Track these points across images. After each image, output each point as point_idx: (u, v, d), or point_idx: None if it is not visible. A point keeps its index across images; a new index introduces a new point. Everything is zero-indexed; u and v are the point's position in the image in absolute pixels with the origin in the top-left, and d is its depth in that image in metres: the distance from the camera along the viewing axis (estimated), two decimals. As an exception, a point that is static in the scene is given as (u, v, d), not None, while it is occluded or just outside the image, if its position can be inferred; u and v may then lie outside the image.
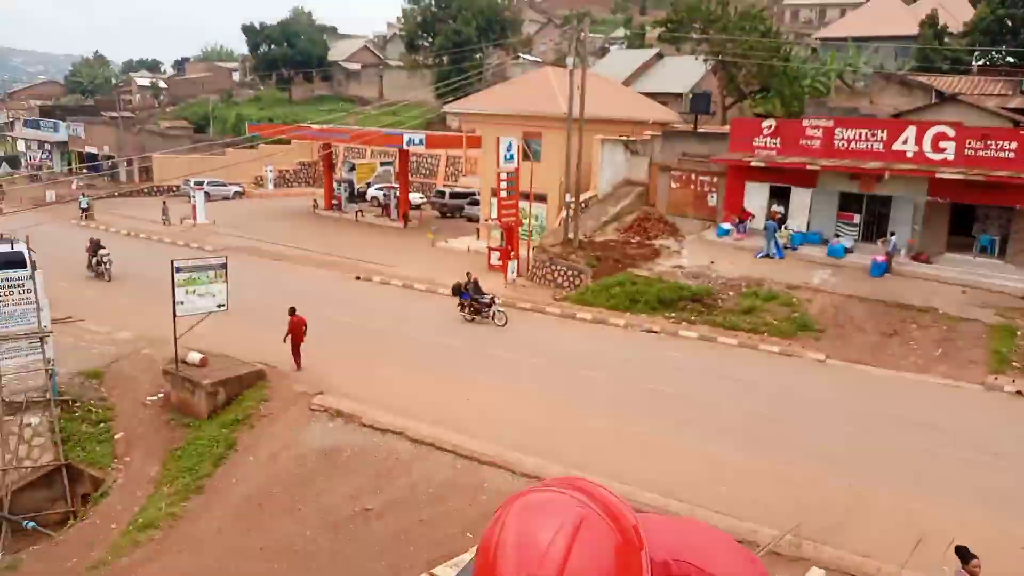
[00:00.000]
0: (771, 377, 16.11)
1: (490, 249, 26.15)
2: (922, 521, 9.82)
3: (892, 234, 21.05)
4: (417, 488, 12.24)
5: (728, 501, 10.78)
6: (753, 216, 24.07)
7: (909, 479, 11.38)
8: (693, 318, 19.77)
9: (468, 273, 20.78)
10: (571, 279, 23.02)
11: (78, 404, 15.32)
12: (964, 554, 7.39)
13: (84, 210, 36.20)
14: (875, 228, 22.45)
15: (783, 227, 23.00)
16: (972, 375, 15.93)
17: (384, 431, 13.81)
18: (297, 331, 16.20)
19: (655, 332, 19.29)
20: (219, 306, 15.97)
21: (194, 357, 15.69)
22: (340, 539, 11.39)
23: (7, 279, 14.59)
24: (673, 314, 20.11)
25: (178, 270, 15.37)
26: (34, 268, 16.05)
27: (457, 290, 20.32)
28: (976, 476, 11.55)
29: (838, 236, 22.70)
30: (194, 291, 15.71)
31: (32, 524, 13.06)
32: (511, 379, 15.79)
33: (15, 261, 17.09)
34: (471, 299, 19.95)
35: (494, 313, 19.77)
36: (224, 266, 16.10)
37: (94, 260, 24.42)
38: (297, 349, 16.27)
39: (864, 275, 20.31)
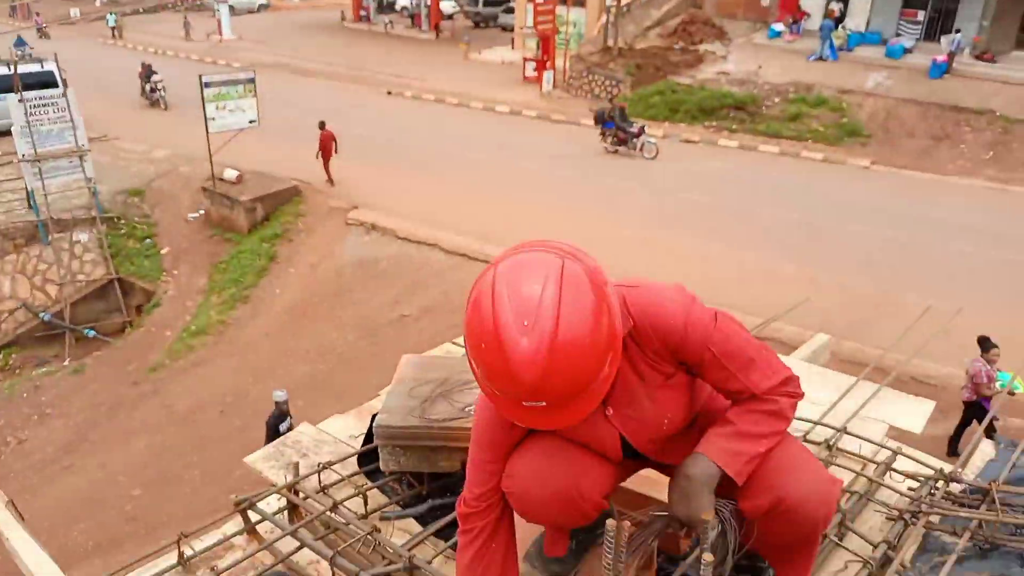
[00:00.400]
0: (811, 185, 15.72)
1: (525, 60, 25.05)
2: (951, 319, 9.83)
3: (957, 31, 19.47)
4: (451, 295, 12.57)
5: (754, 303, 10.87)
6: (808, 15, 22.43)
7: (943, 281, 11.26)
8: (734, 127, 19.06)
9: (611, 99, 18.60)
10: (609, 89, 22.10)
11: (123, 221, 15.76)
12: (984, 343, 7.46)
13: (113, 28, 35.24)
14: (939, 26, 20.78)
15: (840, 27, 21.43)
16: (1021, 178, 15.34)
17: (418, 243, 14.04)
18: (327, 145, 16.10)
19: (694, 142, 18.72)
20: (250, 122, 15.88)
21: (230, 174, 15.83)
22: (378, 342, 11.94)
23: (40, 98, 14.53)
24: (714, 123, 19.40)
25: (206, 85, 15.16)
26: (65, 86, 15.97)
27: (601, 118, 17.96)
28: (1014, 277, 11.41)
29: (899, 35, 21.13)
30: (224, 107, 15.57)
31: (92, 332, 13.91)
32: (541, 191, 15.66)
33: (46, 80, 17.04)
34: (616, 128, 17.70)
35: (643, 144, 17.47)
36: (252, 80, 15.84)
37: (147, 87, 23.19)
38: (328, 163, 16.25)
39: (922, 77, 19.08)
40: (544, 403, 1.39)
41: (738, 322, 1.73)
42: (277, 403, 8.50)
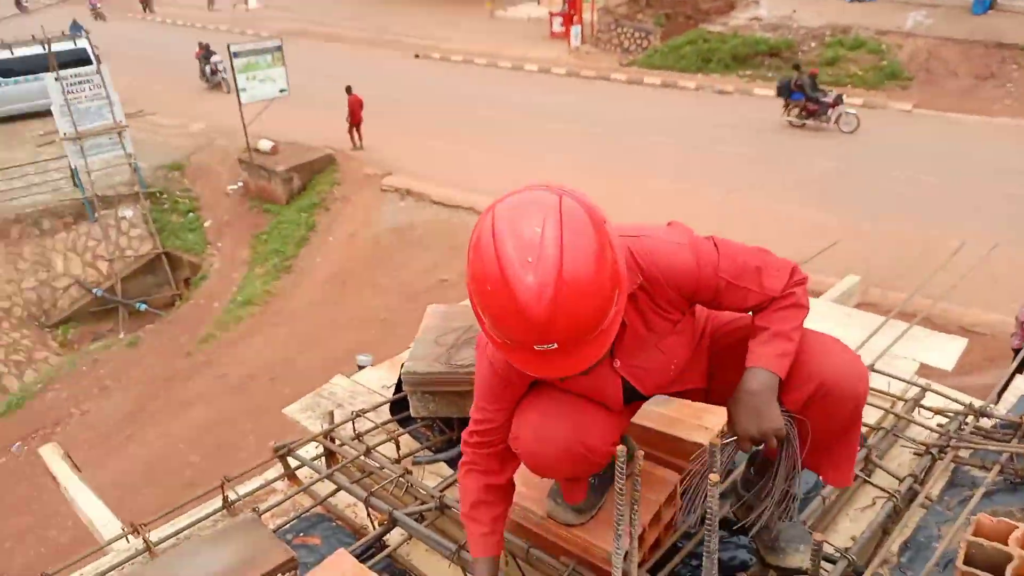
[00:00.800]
0: (852, 132, 15.28)
1: (552, 15, 24.66)
2: (999, 266, 9.58)
3: (1004, -39, 18.59)
4: (488, 259, 12.63)
5: (795, 254, 10.74)
6: (844, -47, 21.51)
7: (989, 226, 10.94)
8: (770, 75, 18.55)
9: (797, 66, 15.90)
10: (638, 41, 21.67)
11: (165, 196, 16.11)
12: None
13: (143, 2, 35.32)
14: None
15: (878, -36, 20.57)
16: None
17: (453, 207, 14.07)
18: (355, 110, 16.14)
19: (728, 93, 18.31)
20: (281, 91, 15.97)
21: (265, 145, 16.01)
22: (419, 307, 11.84)
23: (76, 76, 14.79)
24: (748, 72, 18.91)
25: (235, 55, 15.28)
26: (99, 63, 16.24)
27: (786, 88, 15.44)
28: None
29: (941, -30, 20.24)
30: (254, 76, 15.71)
31: (144, 306, 14.34)
32: (571, 149, 15.51)
33: (80, 58, 17.36)
34: (806, 99, 15.27)
35: (839, 115, 15.00)
36: (280, 48, 15.92)
37: (207, 68, 22.11)
38: (357, 129, 16.31)
39: (964, 14, 18.29)
40: (555, 345, 1.38)
41: (729, 240, 1.75)
42: (361, 368, 8.62)
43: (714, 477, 1.41)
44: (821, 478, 1.91)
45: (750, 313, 1.80)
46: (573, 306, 1.35)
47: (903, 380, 2.84)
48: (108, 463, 10.18)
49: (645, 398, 1.93)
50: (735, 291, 1.70)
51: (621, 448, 1.54)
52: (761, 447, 1.75)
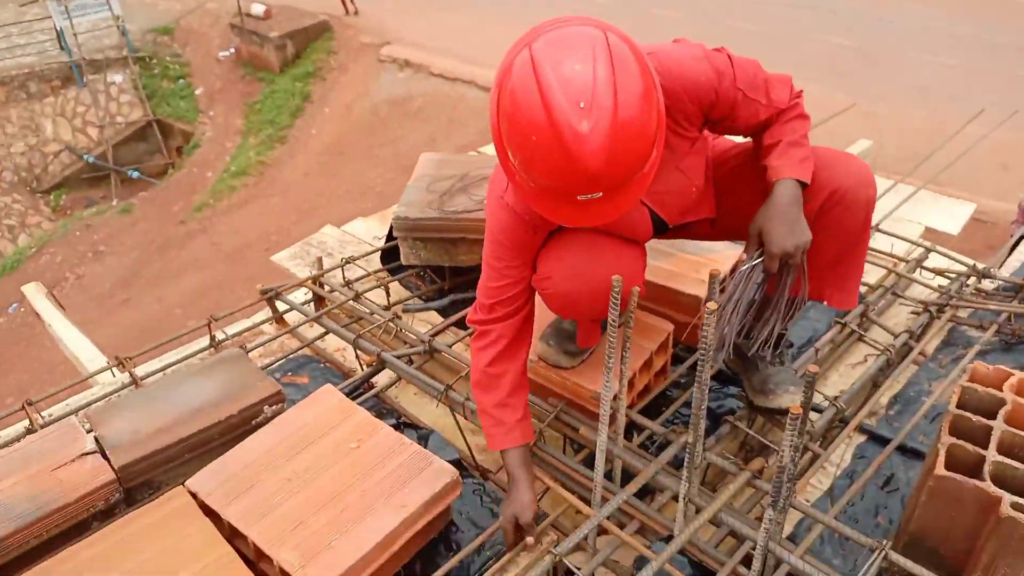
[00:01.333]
0: (868, 8, 14.61)
1: None
2: (1012, 154, 9.39)
3: None
4: (487, 134, 12.32)
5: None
6: None
7: (1008, 111, 10.65)
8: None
9: None
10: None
11: (155, 61, 15.53)
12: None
13: None
14: None
15: None
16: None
17: (454, 79, 13.61)
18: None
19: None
20: (272, -50, 15.17)
21: (257, 9, 15.29)
22: (415, 180, 11.90)
23: (56, -71, 13.96)
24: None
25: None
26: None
27: None
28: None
29: None
30: (244, -66, 14.87)
31: (136, 173, 14.12)
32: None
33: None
34: None
35: None
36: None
37: None
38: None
39: None
40: (600, 194, 1.31)
41: (733, 54, 1.70)
42: None
43: (712, 305, 1.35)
44: (826, 303, 1.87)
45: (745, 139, 1.77)
46: (625, 153, 1.27)
47: (907, 240, 2.78)
48: (105, 324, 10.29)
49: (667, 230, 1.89)
50: (749, 104, 1.64)
51: (617, 278, 1.46)
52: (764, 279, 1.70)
